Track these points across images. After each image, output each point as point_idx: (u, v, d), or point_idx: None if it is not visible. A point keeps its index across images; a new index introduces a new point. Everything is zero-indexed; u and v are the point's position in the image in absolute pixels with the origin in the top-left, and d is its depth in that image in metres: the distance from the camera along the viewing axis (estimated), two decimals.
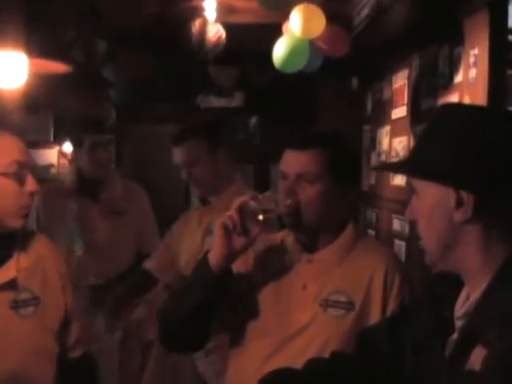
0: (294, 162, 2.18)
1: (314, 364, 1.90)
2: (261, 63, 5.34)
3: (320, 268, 2.20)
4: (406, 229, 4.53)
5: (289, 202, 2.12)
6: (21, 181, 2.20)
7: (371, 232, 5.52)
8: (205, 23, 4.53)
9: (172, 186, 8.59)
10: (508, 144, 1.45)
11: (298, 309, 2.17)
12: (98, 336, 3.48)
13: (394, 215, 4.87)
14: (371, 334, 1.92)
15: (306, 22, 3.81)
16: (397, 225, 4.78)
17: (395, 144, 4.90)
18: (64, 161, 9.80)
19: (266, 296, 2.21)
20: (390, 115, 5.09)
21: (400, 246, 4.61)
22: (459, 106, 1.72)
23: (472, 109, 1.67)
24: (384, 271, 2.17)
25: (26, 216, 2.25)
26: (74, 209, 3.72)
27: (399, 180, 4.73)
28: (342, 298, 2.15)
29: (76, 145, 3.73)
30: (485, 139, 1.45)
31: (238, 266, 2.21)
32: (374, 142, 5.63)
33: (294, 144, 2.21)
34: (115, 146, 7.19)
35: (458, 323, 1.52)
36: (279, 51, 3.80)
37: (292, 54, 3.75)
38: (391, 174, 4.95)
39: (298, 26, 3.80)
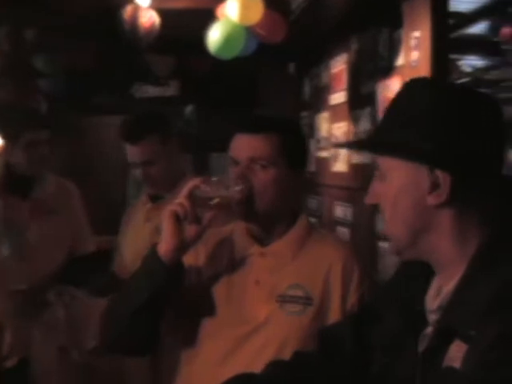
0: (246, 146, 2.04)
1: (275, 368, 1.78)
2: (198, 50, 5.24)
3: (274, 261, 2.08)
4: (349, 215, 4.48)
5: (240, 187, 1.99)
6: None
7: (313, 220, 5.46)
8: (136, 9, 4.38)
9: (109, 179, 8.46)
10: (483, 121, 1.36)
11: (253, 305, 2.05)
12: (33, 346, 3.31)
13: (336, 202, 4.82)
14: (333, 333, 1.81)
15: (244, 9, 3.71)
16: (339, 212, 4.73)
17: (335, 130, 4.84)
18: None
19: (217, 293, 2.08)
20: (328, 101, 5.03)
21: (343, 232, 4.56)
22: (428, 81, 1.58)
23: (443, 84, 1.55)
24: (342, 263, 2.07)
25: None
26: (2, 207, 3.51)
27: (340, 166, 4.67)
28: (300, 293, 2.04)
29: (9, 139, 3.49)
30: (462, 115, 1.35)
31: (187, 261, 2.07)
32: (312, 128, 5.56)
33: (245, 128, 2.08)
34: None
35: (433, 317, 1.41)
36: (214, 37, 3.69)
37: (228, 39, 3.65)
38: (332, 161, 4.89)
39: (235, 12, 3.69)
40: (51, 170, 3.71)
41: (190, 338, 2.09)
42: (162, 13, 4.51)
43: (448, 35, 3.24)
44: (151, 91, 6.52)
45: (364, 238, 4.01)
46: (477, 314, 1.26)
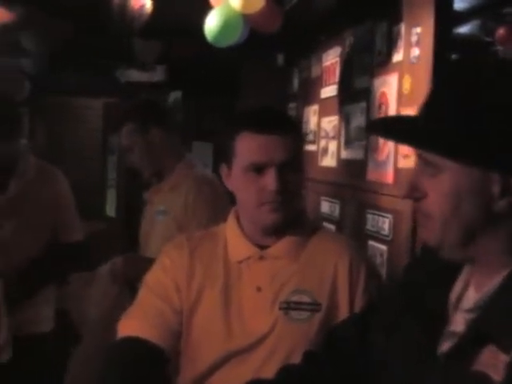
0: (277, 148, 1.88)
1: (287, 372, 1.68)
2: (185, 36, 5.13)
3: (275, 265, 1.94)
4: (336, 211, 4.40)
5: (280, 197, 1.87)
6: None
7: None
8: None
9: (88, 162, 8.35)
10: None
11: (255, 315, 1.91)
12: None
13: (322, 197, 4.74)
14: (338, 333, 1.71)
15: None
16: (326, 207, 4.65)
17: (324, 124, 4.76)
18: None
19: (213, 305, 1.94)
20: (318, 94, 4.94)
21: (329, 229, 4.49)
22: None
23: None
24: (348, 264, 1.94)
25: None
26: None
27: (329, 161, 4.59)
28: (305, 299, 1.90)
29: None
30: None
31: (178, 275, 1.97)
32: (299, 120, 5.46)
33: (272, 128, 1.89)
34: (29, 119, 6.91)
35: (466, 316, 1.30)
36: (212, 24, 3.58)
37: (226, 27, 3.54)
38: (320, 155, 4.82)
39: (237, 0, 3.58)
40: (31, 153, 3.58)
41: (186, 354, 1.97)
42: None
43: (451, 33, 3.16)
44: (137, 76, 6.42)
45: (352, 236, 3.93)
46: None
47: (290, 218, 1.94)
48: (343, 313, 1.90)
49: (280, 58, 6.13)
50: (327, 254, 1.98)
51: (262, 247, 1.97)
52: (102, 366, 1.86)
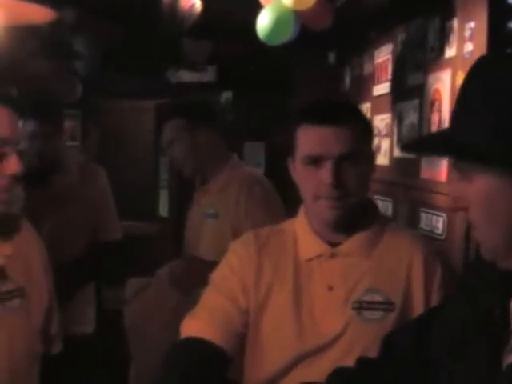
0: (333, 140, 1.81)
1: (339, 375, 1.64)
2: (235, 35, 5.11)
3: (346, 263, 1.88)
4: (389, 210, 4.35)
5: (337, 191, 1.81)
6: (1, 159, 1.87)
7: None
8: None
9: (141, 163, 8.39)
10: None
11: (326, 315, 1.85)
12: None
13: (375, 196, 4.68)
14: (395, 339, 1.65)
15: None
16: (379, 206, 4.59)
17: (377, 122, 4.70)
18: None
19: (283, 304, 1.88)
20: (371, 91, 4.89)
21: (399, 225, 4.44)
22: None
23: None
24: (422, 260, 1.87)
25: (5, 201, 1.92)
26: (20, 197, 3.39)
27: (382, 159, 4.53)
28: (378, 298, 1.83)
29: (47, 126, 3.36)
30: None
31: (245, 275, 1.93)
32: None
33: (328, 119, 1.83)
34: (81, 120, 6.98)
35: None
36: (264, 22, 3.54)
37: (278, 25, 3.49)
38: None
39: None
40: (79, 154, 3.62)
41: (254, 355, 1.93)
42: None
43: (505, 27, 3.08)
44: (187, 76, 6.41)
45: None
46: None
47: (354, 214, 1.88)
48: (418, 312, 1.82)
49: (331, 56, 6.08)
50: (400, 250, 1.91)
51: (333, 244, 1.91)
52: (163, 365, 1.83)
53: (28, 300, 2.01)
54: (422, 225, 3.69)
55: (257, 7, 3.85)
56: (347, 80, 5.72)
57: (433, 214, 3.55)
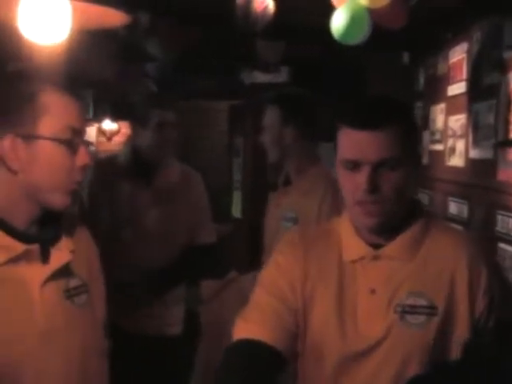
0: (371, 146, 1.76)
1: None
2: (308, 36, 5.10)
3: (390, 266, 1.84)
4: (465, 212, 4.27)
5: (373, 197, 1.76)
6: (73, 151, 1.86)
7: None
8: None
9: (215, 163, 8.44)
10: None
11: (369, 318, 1.82)
12: None
13: (450, 198, 4.62)
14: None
15: None
16: (453, 208, 4.52)
17: (451, 122, 4.63)
18: (103, 139, 9.71)
19: (327, 305, 1.86)
20: (445, 92, 4.81)
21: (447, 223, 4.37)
22: None
23: None
24: (467, 262, 1.80)
25: (74, 193, 1.91)
26: (127, 191, 3.43)
27: (457, 161, 4.46)
28: (422, 302, 1.78)
29: (139, 122, 3.39)
30: None
31: (293, 274, 1.91)
32: (426, 119, 5.35)
33: (365, 122, 1.77)
34: None
35: None
36: (339, 21, 3.51)
37: (353, 24, 3.46)
38: (447, 154, 4.70)
39: None
40: (177, 157, 3.63)
41: (305, 356, 1.91)
42: None
43: None
44: (260, 77, 6.43)
45: (480, 238, 3.80)
46: None
47: (395, 219, 1.84)
48: (462, 317, 1.79)
49: (405, 56, 6.02)
50: (444, 252, 1.85)
51: (376, 246, 1.87)
52: (220, 370, 1.82)
53: (92, 296, 2.03)
54: (498, 227, 3.62)
55: (330, 7, 3.83)
56: (421, 80, 5.65)
57: (509, 216, 3.48)
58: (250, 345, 1.85)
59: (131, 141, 3.46)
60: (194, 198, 3.52)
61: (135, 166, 3.40)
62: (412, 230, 1.87)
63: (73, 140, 1.86)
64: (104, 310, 2.12)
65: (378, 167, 1.76)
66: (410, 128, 1.86)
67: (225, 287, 3.55)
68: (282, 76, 6.45)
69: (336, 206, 3.05)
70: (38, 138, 1.81)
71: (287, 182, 3.43)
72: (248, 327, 1.89)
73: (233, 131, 7.98)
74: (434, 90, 5.18)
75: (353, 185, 1.80)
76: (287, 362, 1.87)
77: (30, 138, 1.81)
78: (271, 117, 3.39)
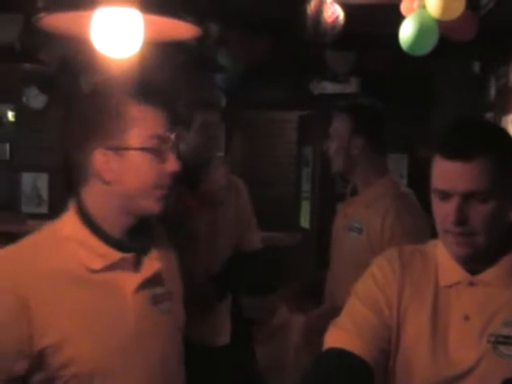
0: (459, 176, 1.71)
1: None
2: (377, 46, 5.11)
3: (485, 292, 1.77)
4: None
5: (461, 229, 1.71)
6: (161, 158, 1.92)
7: None
8: (321, 3, 4.29)
9: (284, 173, 8.48)
10: None
11: (460, 345, 1.76)
12: None
13: None
14: None
15: (447, 2, 3.44)
16: None
17: None
18: None
19: (420, 327, 1.81)
20: None
21: None
22: None
23: None
24: None
25: (164, 199, 1.96)
26: (174, 197, 3.44)
27: None
28: None
29: (184, 126, 3.43)
30: None
31: (389, 290, 1.86)
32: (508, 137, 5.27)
33: (454, 153, 1.72)
34: (225, 134, 7.11)
35: None
36: (407, 32, 3.50)
37: (421, 35, 3.44)
38: None
39: (436, 6, 3.46)
40: (227, 166, 3.66)
41: (395, 375, 1.85)
42: (344, 7, 4.40)
43: None
44: (330, 88, 6.44)
45: None
46: None
47: (490, 249, 1.77)
48: None
49: (476, 66, 5.97)
50: None
51: (473, 271, 1.81)
52: (308, 376, 1.79)
53: (174, 302, 2.08)
54: None
55: (400, 17, 3.83)
56: (492, 90, 5.59)
57: None
58: (342, 355, 1.81)
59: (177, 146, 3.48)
60: (238, 204, 3.53)
61: (181, 170, 3.41)
62: (510, 257, 1.81)
63: (160, 148, 1.92)
64: (183, 316, 2.16)
65: (467, 198, 1.72)
66: (506, 158, 1.76)
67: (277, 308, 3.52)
68: (351, 86, 6.44)
69: (401, 219, 3.07)
70: (127, 149, 1.88)
71: (355, 193, 3.40)
72: (342, 336, 1.86)
73: (302, 141, 8.01)
74: (506, 100, 5.12)
75: (442, 214, 1.77)
76: (375, 378, 1.80)
77: (120, 149, 1.87)
78: (340, 125, 3.33)
